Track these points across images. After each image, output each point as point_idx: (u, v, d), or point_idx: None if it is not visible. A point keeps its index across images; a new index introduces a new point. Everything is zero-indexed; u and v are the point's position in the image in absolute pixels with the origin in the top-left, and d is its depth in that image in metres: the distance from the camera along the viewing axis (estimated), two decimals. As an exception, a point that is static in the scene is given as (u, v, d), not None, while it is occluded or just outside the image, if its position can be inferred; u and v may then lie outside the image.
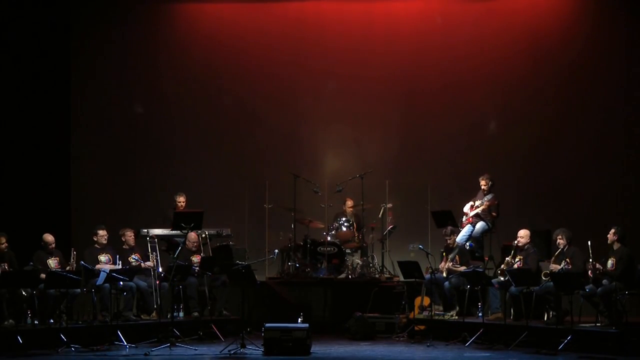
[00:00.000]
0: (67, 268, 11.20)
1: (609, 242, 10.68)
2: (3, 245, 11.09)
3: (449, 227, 12.35)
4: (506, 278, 11.15)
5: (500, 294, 11.46)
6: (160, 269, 11.88)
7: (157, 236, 12.72)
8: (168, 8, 15.29)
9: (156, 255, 11.99)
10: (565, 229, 11.12)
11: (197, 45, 15.15)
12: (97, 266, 11.48)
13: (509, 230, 11.83)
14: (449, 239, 12.34)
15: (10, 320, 10.69)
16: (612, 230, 10.69)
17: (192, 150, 15.05)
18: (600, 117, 14.60)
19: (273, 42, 15.09)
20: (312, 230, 13.60)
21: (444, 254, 12.40)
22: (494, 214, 12.40)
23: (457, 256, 12.14)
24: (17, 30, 13.95)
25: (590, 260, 10.57)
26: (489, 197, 12.44)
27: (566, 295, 10.54)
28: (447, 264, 12.09)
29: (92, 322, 11.31)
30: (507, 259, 11.52)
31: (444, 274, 12.03)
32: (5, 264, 11.01)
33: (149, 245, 12.07)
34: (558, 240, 11.06)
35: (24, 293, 10.77)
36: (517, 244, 11.47)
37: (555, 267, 10.88)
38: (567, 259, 10.87)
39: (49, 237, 11.45)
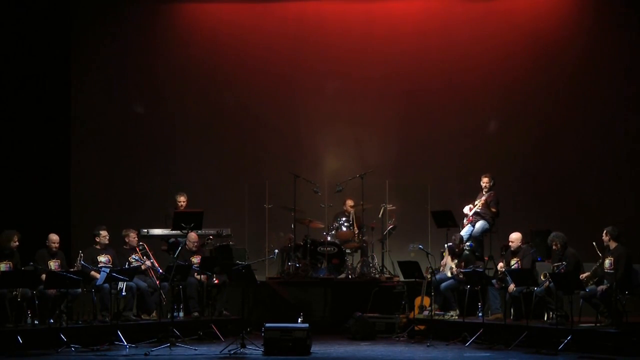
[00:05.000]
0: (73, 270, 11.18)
1: (604, 244, 10.67)
2: (14, 244, 11.04)
3: (459, 235, 12.29)
4: (502, 284, 11.19)
5: (500, 294, 11.46)
6: (160, 269, 11.88)
7: (159, 236, 12.78)
8: (168, 8, 15.28)
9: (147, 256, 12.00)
10: (558, 233, 11.08)
11: (197, 45, 15.16)
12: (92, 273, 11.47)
13: (509, 230, 11.82)
14: (457, 249, 12.26)
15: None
16: (604, 232, 10.67)
17: (192, 151, 15.05)
18: (600, 116, 14.61)
19: (273, 42, 15.10)
20: (312, 230, 13.59)
21: (444, 253, 12.38)
22: (493, 209, 12.38)
23: (462, 262, 12.11)
24: (18, 29, 13.94)
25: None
26: (487, 194, 12.45)
27: (566, 296, 10.57)
28: (452, 265, 12.04)
29: (92, 322, 11.30)
30: (500, 264, 11.53)
31: (448, 274, 12.00)
32: (11, 263, 10.99)
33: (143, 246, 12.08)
34: (553, 246, 11.04)
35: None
36: (510, 248, 11.50)
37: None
38: (563, 262, 10.87)
39: (53, 237, 11.40)
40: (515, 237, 11.52)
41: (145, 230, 12.68)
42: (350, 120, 15.08)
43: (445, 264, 12.14)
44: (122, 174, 14.88)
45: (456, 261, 12.04)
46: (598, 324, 10.51)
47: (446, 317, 11.90)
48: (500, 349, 10.55)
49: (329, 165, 15.07)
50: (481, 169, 13.08)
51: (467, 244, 12.36)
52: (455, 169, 14.69)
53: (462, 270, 11.76)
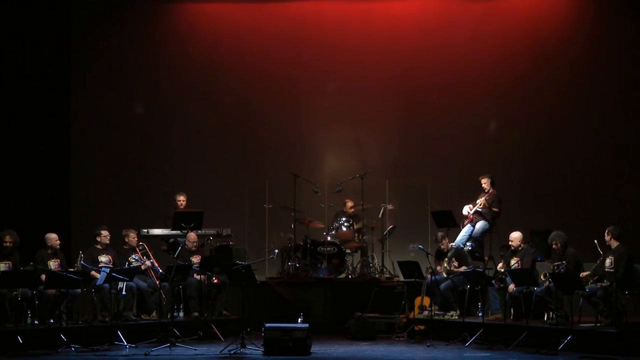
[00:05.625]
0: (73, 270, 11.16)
1: (606, 243, 10.67)
2: (6, 244, 11.00)
3: (439, 233, 12.37)
4: (502, 285, 11.19)
5: (500, 294, 11.46)
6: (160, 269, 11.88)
7: (159, 236, 12.78)
8: (168, 8, 15.29)
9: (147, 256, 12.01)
10: (558, 232, 11.08)
11: (197, 45, 15.16)
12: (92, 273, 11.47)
13: (509, 230, 11.82)
14: (442, 244, 12.33)
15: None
16: (606, 232, 10.67)
17: (192, 150, 15.05)
18: (600, 116, 14.60)
19: (273, 42, 15.09)
20: (312, 230, 13.59)
21: (432, 257, 12.41)
22: (495, 209, 12.37)
23: (453, 258, 12.12)
24: (18, 30, 13.94)
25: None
26: (488, 194, 12.44)
27: (566, 296, 10.57)
28: (445, 265, 12.08)
29: (92, 322, 11.29)
30: (499, 264, 11.54)
31: (444, 274, 12.02)
32: (11, 263, 10.98)
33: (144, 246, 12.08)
34: (553, 246, 11.05)
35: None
36: (511, 247, 11.51)
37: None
38: (563, 262, 10.88)
39: (52, 235, 11.38)
40: (515, 236, 11.53)
41: (145, 230, 12.68)
42: (350, 120, 15.09)
43: (442, 268, 12.14)
44: (122, 174, 14.88)
45: (447, 259, 12.06)
46: (598, 324, 10.50)
47: (446, 317, 11.90)
48: (500, 349, 10.54)
49: (329, 165, 15.08)
50: (481, 169, 13.08)
51: (468, 244, 12.37)
52: (455, 169, 14.69)
53: (462, 269, 11.77)
